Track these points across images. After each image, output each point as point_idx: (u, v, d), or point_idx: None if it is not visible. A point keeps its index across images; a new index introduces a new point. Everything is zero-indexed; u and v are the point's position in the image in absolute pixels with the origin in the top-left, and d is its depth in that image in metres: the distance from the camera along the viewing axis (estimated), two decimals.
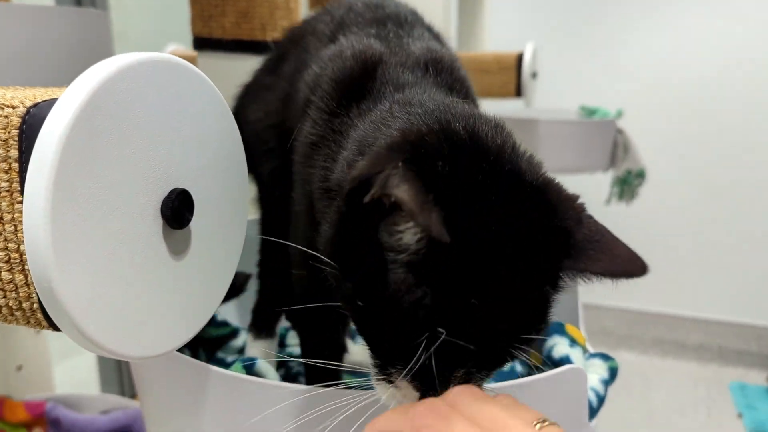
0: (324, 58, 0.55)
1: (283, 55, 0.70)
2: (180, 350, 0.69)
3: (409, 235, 0.38)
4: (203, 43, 1.00)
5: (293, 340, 0.83)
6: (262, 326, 0.73)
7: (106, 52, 0.96)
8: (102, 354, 0.38)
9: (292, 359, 0.73)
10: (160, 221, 0.41)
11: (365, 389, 0.44)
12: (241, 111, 0.71)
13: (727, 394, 2.25)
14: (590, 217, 0.42)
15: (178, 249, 0.43)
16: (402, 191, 0.34)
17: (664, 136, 2.43)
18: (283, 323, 0.84)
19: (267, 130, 0.67)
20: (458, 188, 0.38)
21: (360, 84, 0.51)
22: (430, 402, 0.33)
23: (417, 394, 0.40)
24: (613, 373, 0.63)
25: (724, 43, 2.36)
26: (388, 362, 0.40)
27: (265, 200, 0.72)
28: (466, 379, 0.40)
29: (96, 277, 0.37)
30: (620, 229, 0.42)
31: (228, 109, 0.48)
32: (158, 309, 0.42)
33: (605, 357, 0.64)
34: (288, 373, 0.75)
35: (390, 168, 0.35)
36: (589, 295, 2.64)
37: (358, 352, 0.81)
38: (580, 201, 0.42)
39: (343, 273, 0.41)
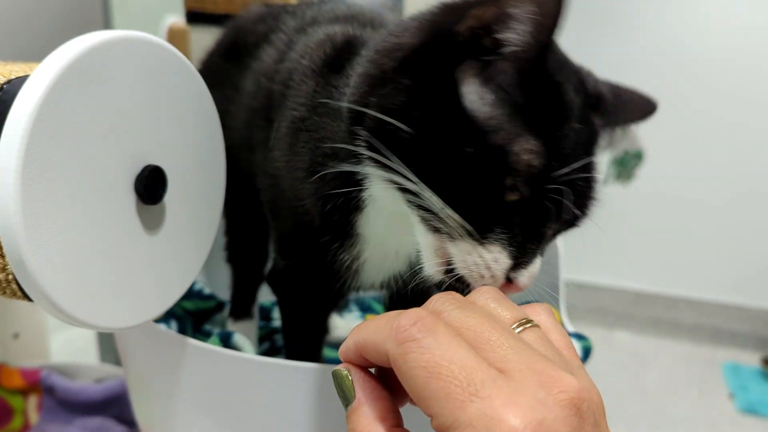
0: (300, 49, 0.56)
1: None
2: (167, 323, 0.71)
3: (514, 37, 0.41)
4: (196, 17, 1.00)
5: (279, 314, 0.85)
6: (240, 311, 0.75)
7: (102, 25, 0.95)
8: (74, 324, 0.39)
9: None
10: (133, 197, 0.42)
11: None
12: None
13: (719, 374, 2.27)
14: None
15: (152, 224, 0.44)
16: None
17: (667, 115, 2.41)
18: (269, 297, 0.86)
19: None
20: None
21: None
22: (415, 313, 0.31)
23: (509, 262, 0.40)
24: (587, 352, 0.64)
25: (734, 20, 2.33)
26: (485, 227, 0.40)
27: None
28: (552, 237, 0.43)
29: (68, 250, 0.38)
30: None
31: (205, 87, 0.49)
32: (132, 282, 0.43)
33: (579, 337, 0.65)
34: (272, 347, 0.77)
35: None
36: (587, 274, 2.65)
37: (342, 326, 0.82)
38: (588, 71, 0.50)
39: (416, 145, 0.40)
